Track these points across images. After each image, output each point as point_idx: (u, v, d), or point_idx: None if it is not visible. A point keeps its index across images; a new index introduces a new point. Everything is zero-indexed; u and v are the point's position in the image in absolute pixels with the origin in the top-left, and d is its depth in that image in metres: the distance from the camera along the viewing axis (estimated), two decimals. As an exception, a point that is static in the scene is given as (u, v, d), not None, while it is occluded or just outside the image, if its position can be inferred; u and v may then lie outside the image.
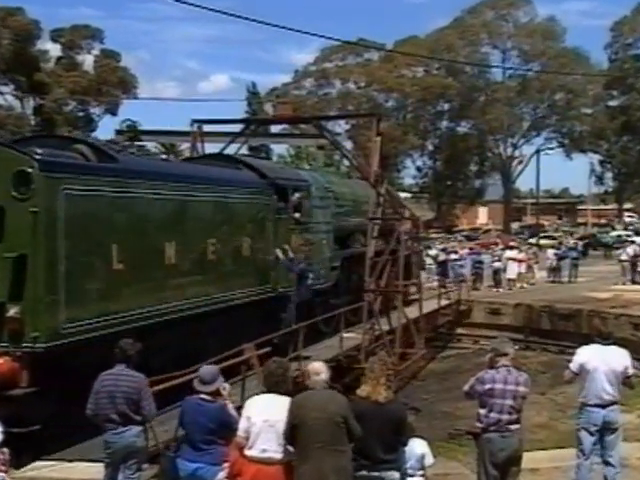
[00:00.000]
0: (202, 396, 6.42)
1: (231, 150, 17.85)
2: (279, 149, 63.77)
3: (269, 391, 5.95)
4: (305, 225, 15.31)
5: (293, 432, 5.70)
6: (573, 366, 7.50)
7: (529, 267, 28.63)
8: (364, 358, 14.34)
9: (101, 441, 6.87)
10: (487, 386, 6.62)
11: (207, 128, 18.28)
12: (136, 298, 10.25)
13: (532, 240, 47.67)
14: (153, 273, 10.65)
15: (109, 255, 9.76)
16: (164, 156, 18.35)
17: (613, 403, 7.38)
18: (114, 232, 9.90)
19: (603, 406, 7.33)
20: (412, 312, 18.40)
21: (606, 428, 7.36)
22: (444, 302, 22.54)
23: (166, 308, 10.87)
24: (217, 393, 6.48)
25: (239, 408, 6.26)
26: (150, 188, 10.69)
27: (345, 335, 15.25)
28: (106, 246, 9.76)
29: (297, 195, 14.92)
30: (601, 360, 7.33)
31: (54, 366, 8.76)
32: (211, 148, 18.19)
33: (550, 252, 30.24)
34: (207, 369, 6.65)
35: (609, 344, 7.46)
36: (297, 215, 14.87)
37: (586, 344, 7.63)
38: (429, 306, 21.22)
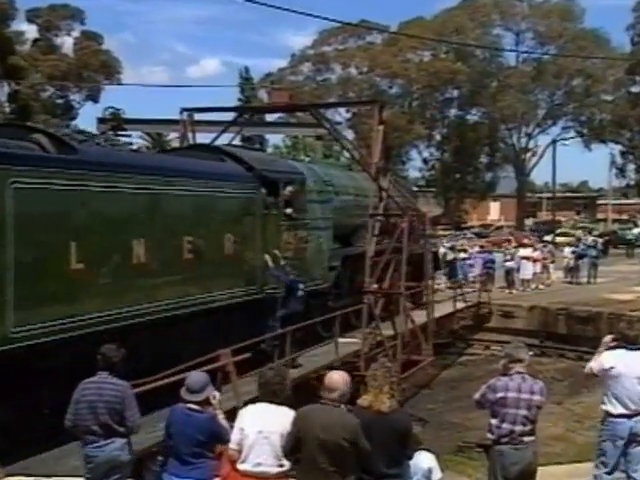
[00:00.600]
0: (190, 406, 6.41)
1: (224, 140, 17.85)
2: (274, 139, 63.86)
3: (265, 400, 5.94)
4: (298, 221, 15.28)
5: (296, 446, 5.69)
6: (595, 367, 7.44)
7: (544, 267, 28.66)
8: (364, 365, 14.36)
9: (61, 452, 6.85)
10: (499, 394, 6.62)
11: (198, 117, 18.28)
12: (98, 300, 10.18)
13: (548, 238, 47.72)
14: (118, 273, 10.54)
15: (66, 254, 9.65)
16: (143, 147, 18.19)
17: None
18: (72, 229, 9.80)
19: (629, 416, 7.30)
20: (422, 316, 18.51)
21: (632, 440, 7.31)
22: (462, 305, 22.49)
23: (133, 311, 10.78)
24: (206, 402, 6.48)
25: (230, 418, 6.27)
26: (115, 181, 10.59)
27: (343, 340, 15.27)
28: (63, 244, 9.65)
29: (289, 189, 14.87)
30: (627, 366, 7.29)
31: (3, 372, 8.67)
32: (202, 138, 18.20)
33: (567, 250, 30.27)
34: (195, 376, 6.64)
35: (636, 349, 7.41)
36: (289, 210, 14.83)
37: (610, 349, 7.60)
38: (444, 309, 21.25)
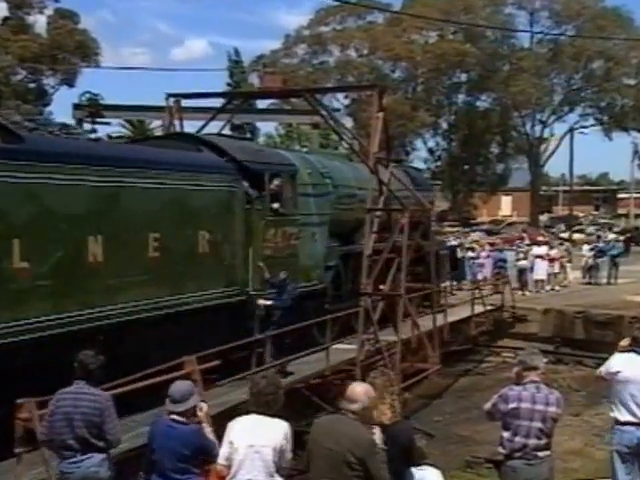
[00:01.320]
0: (173, 417, 6.40)
1: (212, 129, 17.86)
2: (267, 128, 63.82)
3: (256, 411, 5.95)
4: (287, 217, 15.24)
5: (308, 456, 5.70)
6: (604, 369, 7.51)
7: (562, 266, 28.70)
8: (360, 374, 14.38)
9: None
10: (512, 405, 6.63)
11: (184, 103, 18.27)
12: (45, 303, 10.09)
13: (564, 234, 47.79)
14: (69, 273, 10.48)
15: (8, 252, 9.59)
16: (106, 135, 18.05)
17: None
18: (15, 225, 9.72)
19: (638, 424, 7.34)
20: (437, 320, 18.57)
21: None
22: (481, 309, 22.37)
23: (87, 314, 10.71)
24: (192, 414, 6.48)
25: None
26: (67, 173, 10.54)
27: (342, 347, 15.29)
28: (4, 241, 9.59)
29: (277, 182, 14.85)
30: (634, 371, 7.34)
31: None
32: (189, 126, 18.24)
33: (586, 248, 30.32)
34: (178, 385, 6.63)
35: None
36: (276, 205, 14.81)
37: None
38: (460, 313, 21.24)
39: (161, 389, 6.97)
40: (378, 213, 16.37)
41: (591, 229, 45.41)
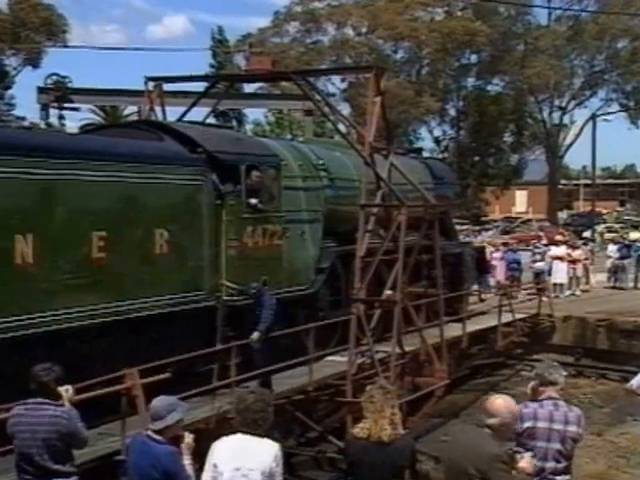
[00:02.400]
0: (149, 433, 6.41)
1: (197, 116, 17.88)
2: (256, 114, 63.85)
3: (243, 431, 5.96)
4: (269, 213, 15.15)
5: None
6: (635, 383, 7.53)
7: (585, 269, 28.78)
8: (351, 390, 14.39)
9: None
10: (527, 424, 6.65)
11: (165, 88, 18.29)
12: None
13: (587, 234, 47.92)
14: None
15: None
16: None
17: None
18: None
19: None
20: (457, 329, 18.77)
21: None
22: (513, 316, 22.15)
23: (15, 321, 10.58)
24: (174, 435, 6.47)
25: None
26: None
27: (338, 359, 15.28)
28: None
29: (256, 174, 14.83)
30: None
31: None
32: (172, 114, 18.25)
33: (612, 248, 30.43)
34: (157, 400, 6.62)
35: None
36: (254, 201, 14.78)
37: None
38: (486, 322, 21.21)
39: (99, 405, 6.93)
40: (375, 210, 16.31)
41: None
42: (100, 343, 11.70)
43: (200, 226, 13.81)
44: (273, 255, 15.26)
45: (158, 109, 17.78)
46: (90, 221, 11.81)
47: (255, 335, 13.08)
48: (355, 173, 17.88)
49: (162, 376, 10.69)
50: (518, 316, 22.37)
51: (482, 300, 24.08)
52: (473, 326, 20.28)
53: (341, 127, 23.35)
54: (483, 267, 24.69)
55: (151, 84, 17.77)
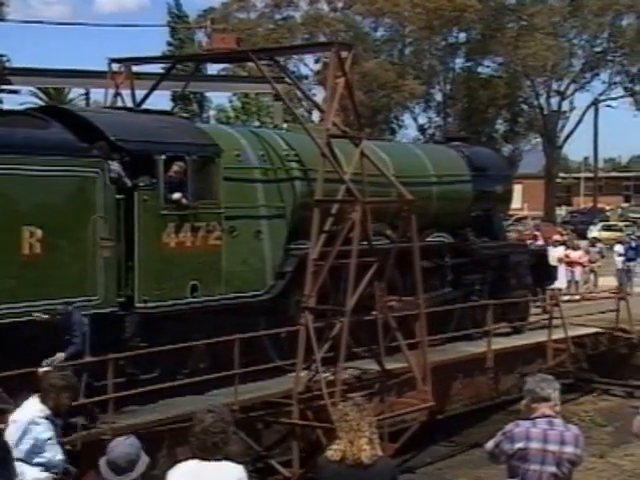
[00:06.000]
0: None
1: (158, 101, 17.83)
2: (221, 99, 63.60)
3: (200, 456, 5.94)
4: (200, 209, 14.96)
5: None
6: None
7: (592, 272, 28.97)
8: (298, 412, 14.34)
9: None
10: (519, 445, 6.66)
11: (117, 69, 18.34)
12: None
13: (595, 233, 48.23)
14: None
15: None
16: None
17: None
18: None
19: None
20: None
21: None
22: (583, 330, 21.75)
23: None
24: None
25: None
26: None
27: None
28: None
29: (179, 165, 14.72)
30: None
31: None
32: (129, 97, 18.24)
33: (618, 249, 30.73)
34: (121, 447, 6.29)
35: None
36: (177, 195, 14.67)
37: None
38: (530, 338, 20.61)
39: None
40: (334, 207, 16.09)
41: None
42: None
43: (92, 224, 13.59)
44: (207, 257, 15.09)
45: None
46: None
47: (59, 356, 12.34)
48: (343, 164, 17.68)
49: None
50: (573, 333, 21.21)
51: (546, 311, 22.37)
52: (504, 343, 19.77)
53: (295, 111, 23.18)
54: (544, 274, 23.11)
55: (115, 66, 17.85)
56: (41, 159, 13.11)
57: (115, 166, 13.91)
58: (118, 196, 13.91)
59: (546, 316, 21.06)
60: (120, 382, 13.22)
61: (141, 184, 14.23)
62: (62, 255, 13.25)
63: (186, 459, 6.03)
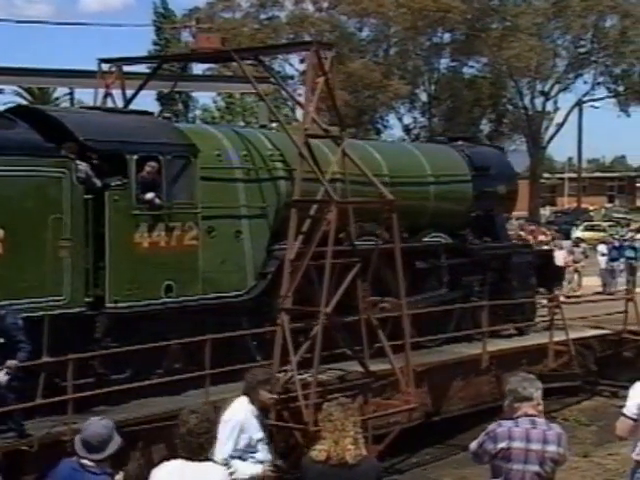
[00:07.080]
0: (83, 461, 6.34)
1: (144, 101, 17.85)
2: (206, 99, 63.57)
3: (184, 457, 5.94)
4: (174, 210, 14.93)
5: None
6: (628, 410, 7.61)
7: (576, 271, 29.07)
8: (275, 414, 14.29)
9: None
10: (501, 445, 6.67)
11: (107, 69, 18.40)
12: None
13: (579, 233, 48.30)
14: None
15: None
16: None
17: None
18: None
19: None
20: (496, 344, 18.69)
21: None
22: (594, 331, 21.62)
23: None
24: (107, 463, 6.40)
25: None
26: None
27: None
28: None
29: (151, 165, 14.73)
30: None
31: None
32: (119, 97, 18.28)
33: (602, 248, 30.83)
34: (94, 426, 6.47)
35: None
36: (150, 195, 14.63)
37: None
38: (533, 340, 20.52)
39: None
40: (313, 207, 16.04)
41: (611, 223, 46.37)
42: None
43: (56, 224, 13.54)
44: (183, 257, 15.05)
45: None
46: None
47: (10, 364, 11.86)
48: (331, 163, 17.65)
49: None
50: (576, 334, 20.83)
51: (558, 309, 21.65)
52: (503, 344, 19.74)
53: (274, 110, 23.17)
54: (550, 275, 22.82)
55: (104, 66, 17.88)
56: (3, 159, 13.07)
57: (83, 166, 13.90)
58: (86, 196, 13.86)
59: (547, 318, 20.89)
60: (89, 382, 13.22)
61: (112, 184, 14.21)
62: (24, 255, 13.19)
63: (161, 460, 6.03)
